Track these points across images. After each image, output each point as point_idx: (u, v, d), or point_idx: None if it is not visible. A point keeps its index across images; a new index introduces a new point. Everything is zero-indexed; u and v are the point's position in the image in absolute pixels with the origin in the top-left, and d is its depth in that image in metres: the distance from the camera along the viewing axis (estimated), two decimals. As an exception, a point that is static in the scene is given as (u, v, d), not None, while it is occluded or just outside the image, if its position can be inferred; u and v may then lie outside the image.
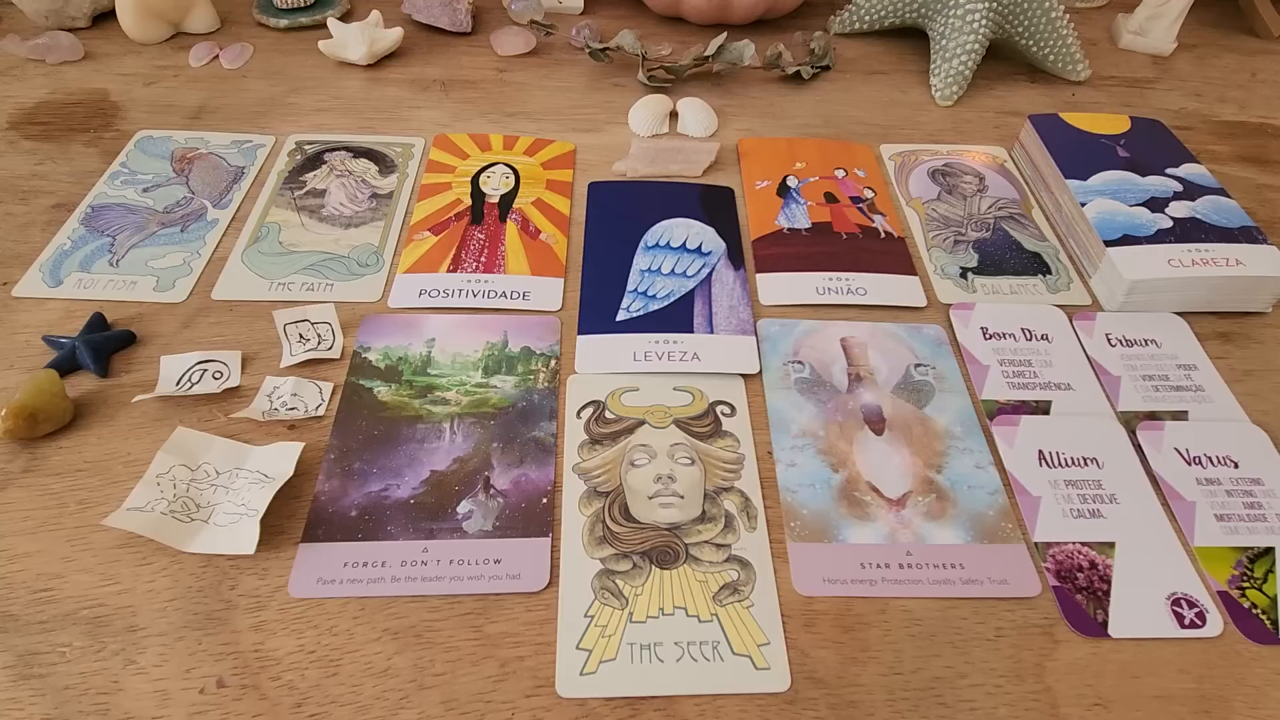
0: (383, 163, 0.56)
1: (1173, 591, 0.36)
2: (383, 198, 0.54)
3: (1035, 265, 0.51)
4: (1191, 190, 0.52)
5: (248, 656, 0.32)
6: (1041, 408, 0.43)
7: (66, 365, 0.42)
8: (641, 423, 0.41)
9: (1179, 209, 0.50)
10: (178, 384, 0.41)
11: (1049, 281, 0.51)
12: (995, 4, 0.64)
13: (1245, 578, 0.36)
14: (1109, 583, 0.36)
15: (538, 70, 0.67)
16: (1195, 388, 0.45)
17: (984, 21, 0.64)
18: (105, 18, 0.69)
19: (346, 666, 0.32)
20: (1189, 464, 0.40)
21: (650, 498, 0.38)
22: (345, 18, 0.70)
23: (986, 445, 0.41)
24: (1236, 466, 0.40)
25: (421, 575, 0.35)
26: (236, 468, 0.37)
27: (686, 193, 0.55)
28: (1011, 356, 0.46)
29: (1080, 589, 0.36)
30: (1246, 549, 0.37)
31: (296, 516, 0.37)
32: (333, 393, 0.42)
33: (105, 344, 0.42)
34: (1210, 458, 0.41)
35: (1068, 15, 0.66)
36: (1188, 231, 0.49)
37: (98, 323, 0.44)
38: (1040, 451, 0.41)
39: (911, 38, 0.73)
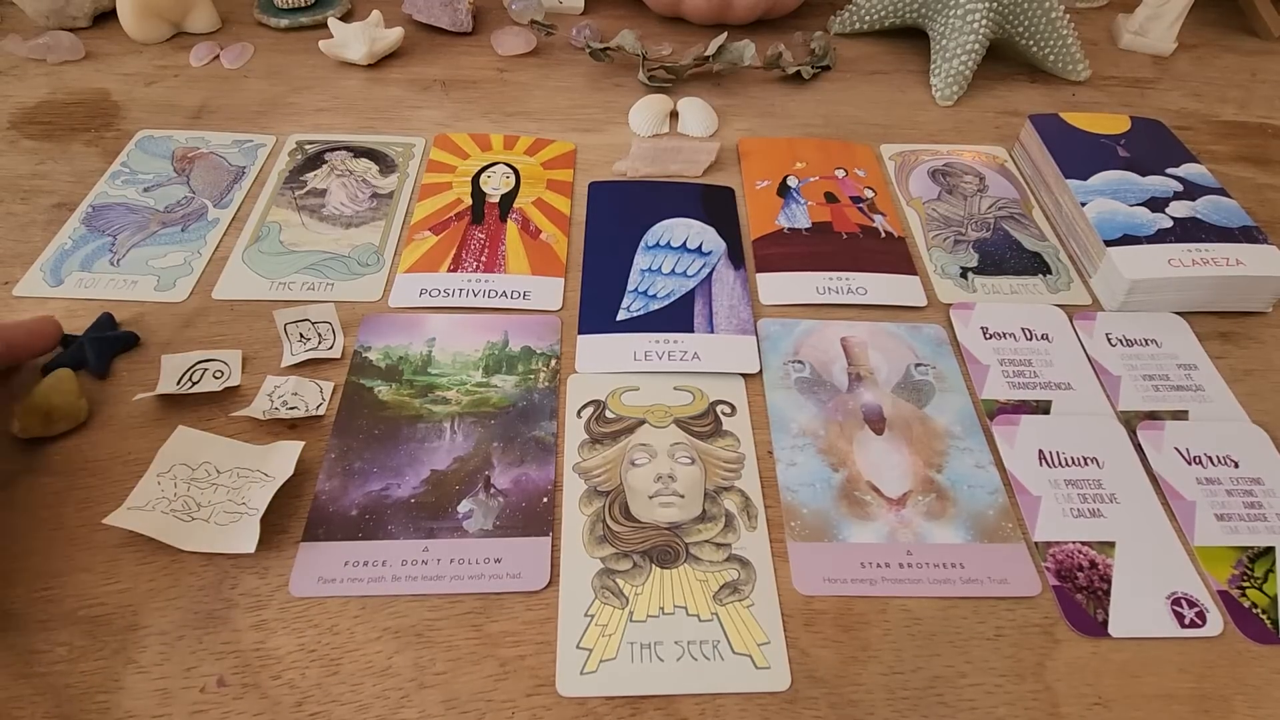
0: (383, 162, 0.56)
1: (1173, 591, 0.36)
2: (383, 197, 0.54)
3: (1035, 265, 0.51)
4: (1191, 190, 0.52)
5: (248, 655, 0.32)
6: (1042, 407, 0.43)
7: (75, 363, 0.41)
8: (642, 422, 0.41)
9: (1179, 209, 0.50)
10: (178, 383, 0.41)
11: (1049, 281, 0.51)
12: (995, 4, 0.64)
13: (1245, 577, 0.36)
14: (1109, 582, 0.36)
15: (538, 70, 0.67)
16: (1195, 387, 0.45)
17: (984, 21, 0.64)
18: (106, 17, 0.69)
19: (347, 666, 0.32)
20: (1189, 464, 0.41)
21: (650, 497, 0.38)
22: (346, 17, 0.70)
23: (986, 445, 0.41)
24: (1237, 466, 0.40)
25: (422, 574, 0.35)
26: (237, 467, 0.37)
27: (687, 192, 0.55)
28: (1011, 356, 0.46)
29: (1080, 588, 0.36)
30: (1247, 548, 0.37)
31: (297, 516, 0.37)
32: (333, 392, 0.42)
33: (111, 344, 0.42)
34: (1210, 457, 0.41)
35: (1068, 15, 0.66)
36: (1188, 231, 0.49)
37: (106, 323, 0.43)
38: (1040, 451, 0.41)
39: (911, 38, 0.73)
